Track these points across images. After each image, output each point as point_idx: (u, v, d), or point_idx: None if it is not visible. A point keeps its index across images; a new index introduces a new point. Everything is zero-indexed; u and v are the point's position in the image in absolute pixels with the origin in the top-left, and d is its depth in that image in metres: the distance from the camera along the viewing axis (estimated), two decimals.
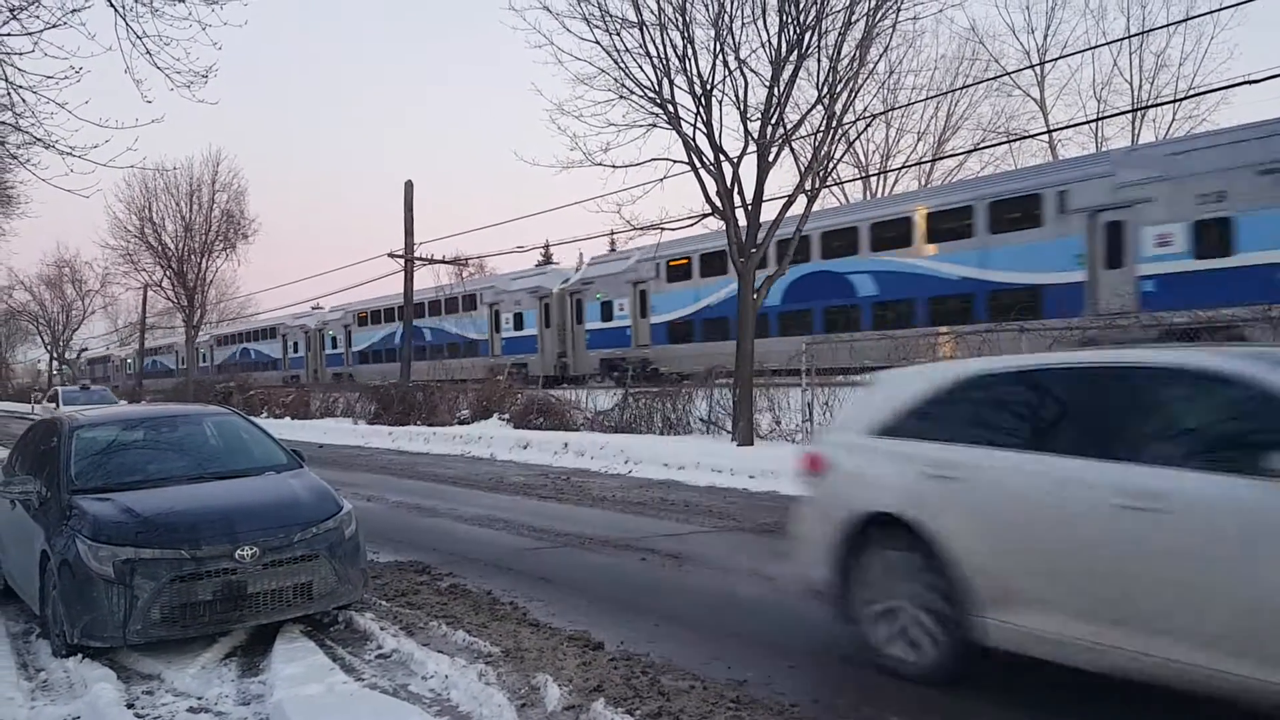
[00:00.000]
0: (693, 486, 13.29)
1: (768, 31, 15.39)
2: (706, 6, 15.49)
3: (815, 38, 15.22)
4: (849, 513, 5.45)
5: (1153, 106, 34.00)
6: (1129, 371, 4.70)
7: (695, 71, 15.75)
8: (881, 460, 5.44)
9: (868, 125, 21.29)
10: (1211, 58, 44.45)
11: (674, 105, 15.98)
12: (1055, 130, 35.05)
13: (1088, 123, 35.38)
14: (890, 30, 16.04)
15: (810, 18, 15.03)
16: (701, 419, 17.99)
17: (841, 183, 35.35)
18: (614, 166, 16.66)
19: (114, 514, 6.24)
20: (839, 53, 15.24)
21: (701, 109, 15.84)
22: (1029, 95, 38.37)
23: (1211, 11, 25.39)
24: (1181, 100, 32.80)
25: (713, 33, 15.50)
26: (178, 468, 7.25)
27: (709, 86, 15.72)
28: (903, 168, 38.10)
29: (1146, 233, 18.07)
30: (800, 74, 15.86)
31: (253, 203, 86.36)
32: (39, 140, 12.02)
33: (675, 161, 16.39)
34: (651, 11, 15.61)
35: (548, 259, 52.82)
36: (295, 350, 53.70)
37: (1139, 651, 4.19)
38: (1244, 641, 3.88)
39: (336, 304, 48.78)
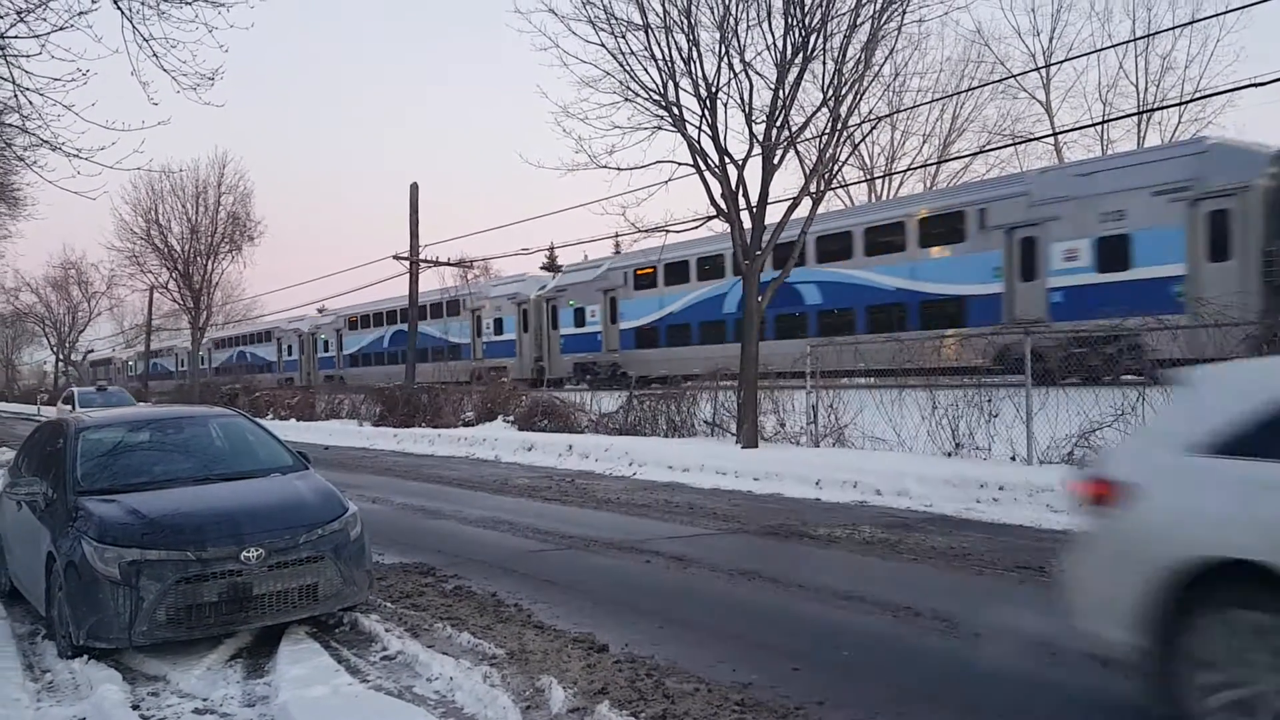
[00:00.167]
0: (697, 489, 13.28)
1: (773, 34, 15.42)
2: (711, 9, 15.52)
3: (820, 40, 15.22)
4: (1173, 559, 4.08)
5: (1159, 109, 33.97)
6: None
7: (700, 74, 15.78)
8: (1224, 488, 4.04)
9: (873, 128, 21.62)
10: (1218, 60, 44.67)
11: (679, 108, 16.00)
12: (1061, 133, 35.05)
13: (1093, 125, 35.45)
14: (895, 33, 16.07)
15: (815, 20, 15.03)
16: (706, 421, 17.99)
17: (847, 185, 35.35)
18: (619, 169, 16.72)
19: (120, 515, 6.25)
20: (844, 55, 15.23)
21: (706, 111, 15.85)
22: (1034, 98, 38.40)
23: (1218, 14, 25.36)
24: (1187, 103, 32.83)
25: (718, 35, 15.53)
26: (183, 469, 7.26)
27: (714, 89, 15.73)
28: (908, 170, 38.14)
29: (1056, 248, 19.69)
30: (805, 76, 15.88)
31: (258, 204, 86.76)
32: (45, 142, 12.09)
33: (680, 164, 16.42)
34: (657, 14, 15.65)
35: (552, 261, 52.90)
36: (289, 353, 55.30)
37: None
38: None
39: (339, 306, 49.81)
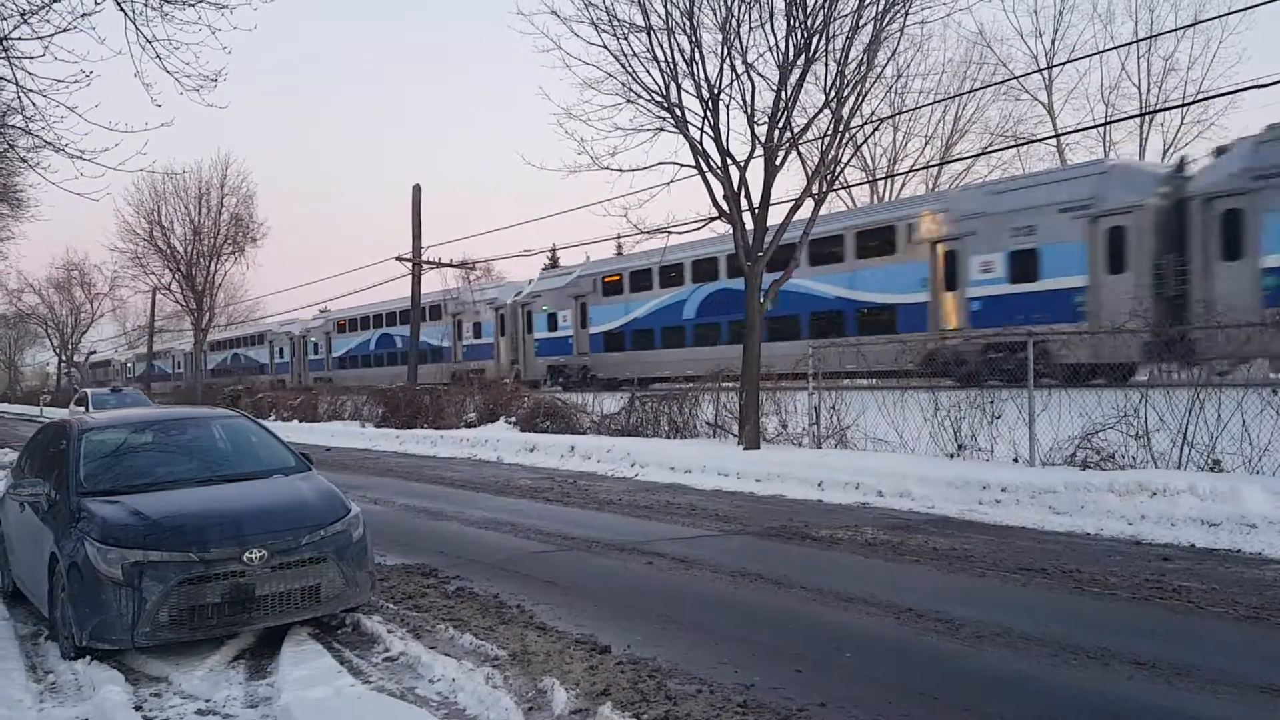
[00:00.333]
0: (699, 490, 13.28)
1: (775, 35, 15.40)
2: (714, 11, 15.50)
3: (823, 41, 15.20)
4: None
5: (1161, 110, 33.95)
6: None
7: (702, 75, 15.76)
8: None
9: (875, 129, 21.82)
10: (1220, 61, 44.44)
11: (681, 109, 15.99)
12: (1063, 134, 35.02)
13: (1095, 127, 35.41)
14: (898, 34, 16.06)
15: (818, 22, 15.02)
16: (708, 423, 17.98)
17: (849, 186, 35.35)
18: (621, 170, 16.69)
19: (123, 516, 6.26)
20: (846, 57, 15.21)
21: (709, 113, 15.84)
22: (1036, 99, 38.35)
23: (1220, 15, 25.38)
24: (1190, 104, 32.80)
25: (720, 37, 15.50)
26: (186, 470, 7.27)
27: (716, 90, 15.72)
28: (910, 171, 38.12)
29: (974, 261, 21.25)
30: (807, 78, 15.87)
31: (261, 206, 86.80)
32: (49, 144, 12.11)
33: (682, 165, 16.40)
34: (659, 16, 15.63)
35: (554, 262, 52.95)
36: (281, 355, 57.03)
37: None
38: None
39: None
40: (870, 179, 37.80)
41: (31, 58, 11.07)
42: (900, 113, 30.53)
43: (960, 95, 35.70)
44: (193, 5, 10.69)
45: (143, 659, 6.17)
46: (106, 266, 56.87)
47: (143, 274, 48.03)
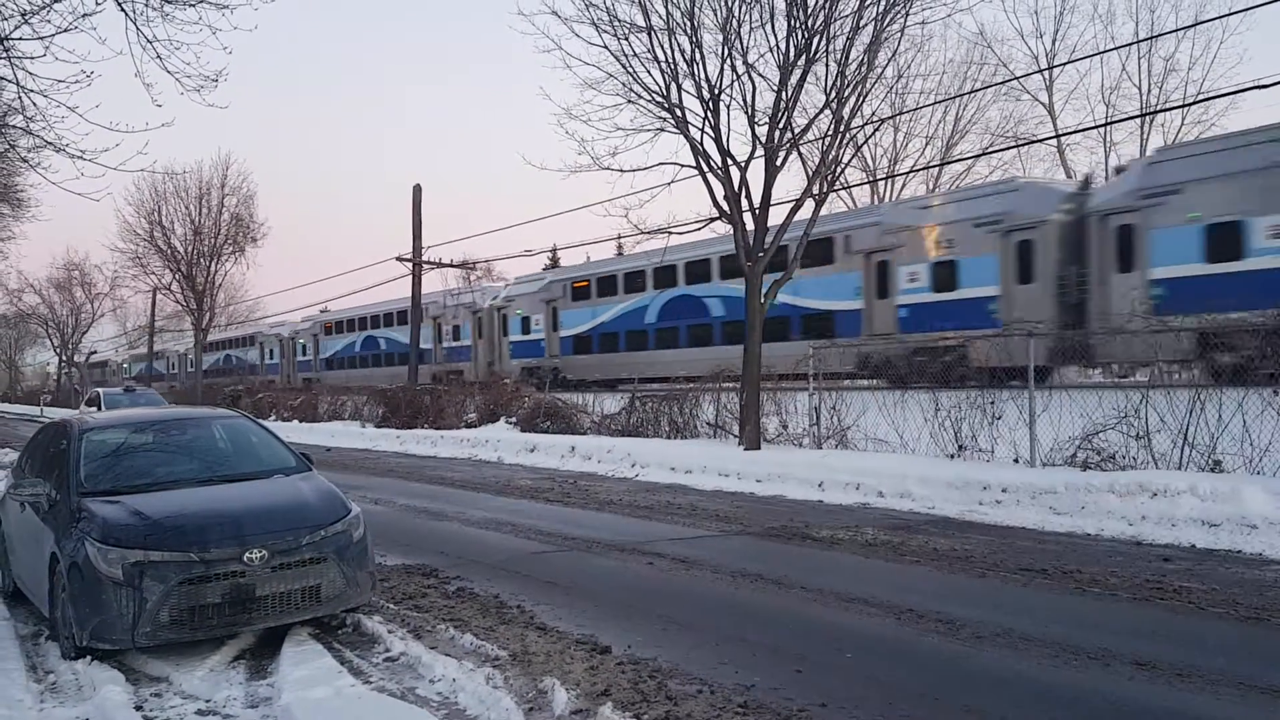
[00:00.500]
0: (700, 490, 13.28)
1: (775, 36, 15.39)
2: (714, 11, 15.49)
3: (823, 42, 15.20)
4: None
5: (1162, 111, 33.93)
6: None
7: (703, 76, 15.75)
8: None
9: (876, 129, 22.01)
10: (1221, 62, 44.52)
11: (682, 109, 15.98)
12: (1064, 135, 35.02)
13: (1096, 127, 35.39)
14: (898, 35, 16.05)
15: (818, 22, 15.01)
16: (708, 423, 17.98)
17: (850, 186, 35.32)
18: (622, 170, 16.69)
19: (123, 516, 6.26)
20: (847, 57, 15.21)
21: (709, 113, 15.83)
22: (1037, 100, 38.35)
23: (1221, 16, 25.36)
24: (1190, 105, 32.80)
25: (721, 37, 15.49)
26: (187, 470, 7.27)
27: (717, 91, 15.71)
28: (910, 171, 38.10)
29: (902, 270, 22.83)
30: (808, 78, 15.85)
31: (261, 206, 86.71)
32: (50, 144, 12.11)
33: (683, 166, 16.40)
34: (659, 16, 15.63)
35: (554, 262, 52.96)
36: (270, 356, 58.06)
37: None
38: None
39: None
40: (871, 179, 37.78)
41: (32, 58, 11.09)
42: (901, 113, 30.52)
43: (961, 96, 35.68)
44: (193, 5, 10.70)
45: (143, 659, 6.17)
46: (107, 266, 56.91)
47: (143, 274, 48.10)
